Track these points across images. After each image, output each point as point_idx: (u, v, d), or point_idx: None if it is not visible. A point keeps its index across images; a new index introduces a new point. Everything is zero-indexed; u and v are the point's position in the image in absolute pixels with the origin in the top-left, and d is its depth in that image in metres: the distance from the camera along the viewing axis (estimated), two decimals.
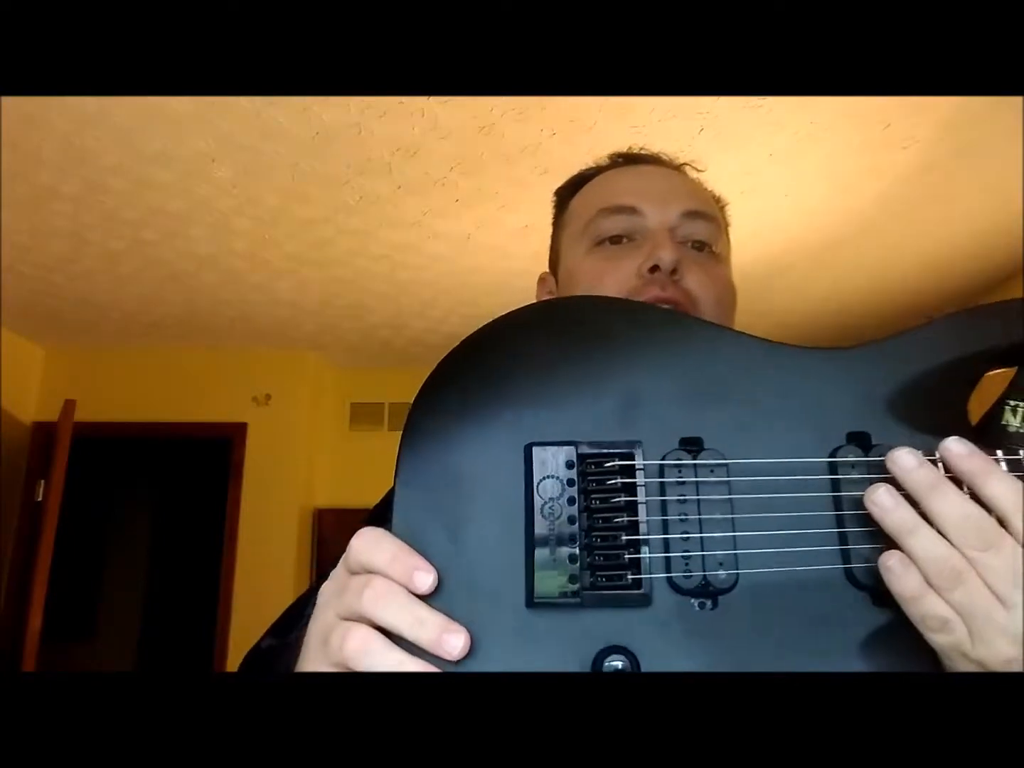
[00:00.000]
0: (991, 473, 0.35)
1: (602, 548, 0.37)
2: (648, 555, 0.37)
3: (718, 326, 0.44)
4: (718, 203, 0.71)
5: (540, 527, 0.37)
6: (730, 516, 0.38)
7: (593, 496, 0.38)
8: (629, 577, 0.37)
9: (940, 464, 0.37)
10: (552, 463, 0.38)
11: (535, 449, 0.39)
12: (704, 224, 0.64)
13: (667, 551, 0.38)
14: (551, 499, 0.38)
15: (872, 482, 0.37)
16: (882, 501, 0.36)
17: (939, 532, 0.35)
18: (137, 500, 4.95)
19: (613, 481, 0.38)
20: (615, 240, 0.63)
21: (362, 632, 0.34)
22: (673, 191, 0.65)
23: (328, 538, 3.62)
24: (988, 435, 0.39)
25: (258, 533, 3.47)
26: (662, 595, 0.37)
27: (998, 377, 0.41)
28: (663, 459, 0.39)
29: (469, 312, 3.26)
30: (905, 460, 0.36)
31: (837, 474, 0.39)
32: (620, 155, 0.72)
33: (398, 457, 0.39)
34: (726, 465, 0.39)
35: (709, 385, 0.41)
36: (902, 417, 0.40)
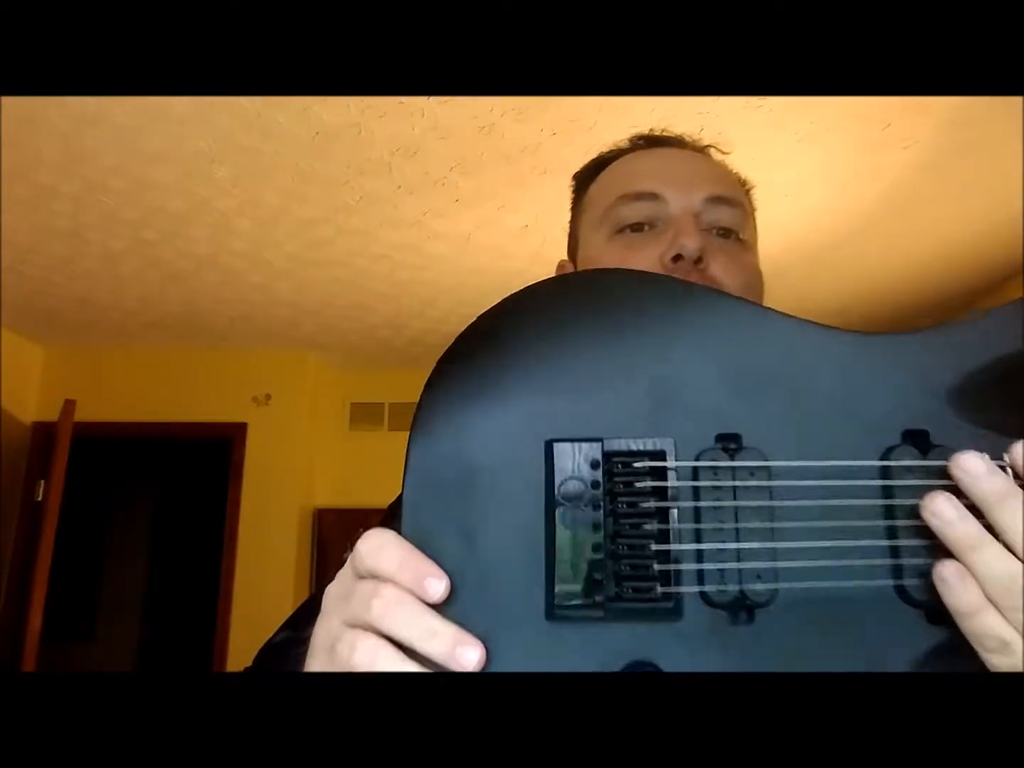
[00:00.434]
0: None
1: (629, 557, 0.34)
2: (679, 566, 0.34)
3: (761, 306, 0.39)
4: (744, 186, 0.67)
5: (561, 533, 0.34)
6: (770, 525, 0.34)
7: (620, 499, 0.35)
8: (658, 589, 0.34)
9: (1009, 470, 0.33)
10: (575, 462, 0.35)
11: (556, 446, 0.35)
12: (729, 210, 0.60)
13: (700, 561, 0.34)
14: (573, 501, 0.35)
15: (930, 489, 0.33)
16: (943, 512, 0.32)
17: (1005, 546, 0.31)
18: (137, 500, 4.95)
19: (642, 484, 0.35)
20: (636, 228, 0.60)
21: (370, 642, 0.33)
22: (696, 175, 0.62)
23: (328, 538, 3.62)
24: None
25: (258, 533, 3.47)
26: (693, 608, 0.34)
27: None
28: (697, 458, 0.35)
29: (469, 312, 3.22)
30: (973, 466, 0.32)
31: (891, 479, 0.34)
32: (641, 137, 0.67)
33: (407, 451, 0.36)
34: (767, 468, 0.35)
35: (750, 373, 0.36)
36: (966, 414, 0.35)
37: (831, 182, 2.33)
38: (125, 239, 2.61)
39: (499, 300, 0.38)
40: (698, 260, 0.56)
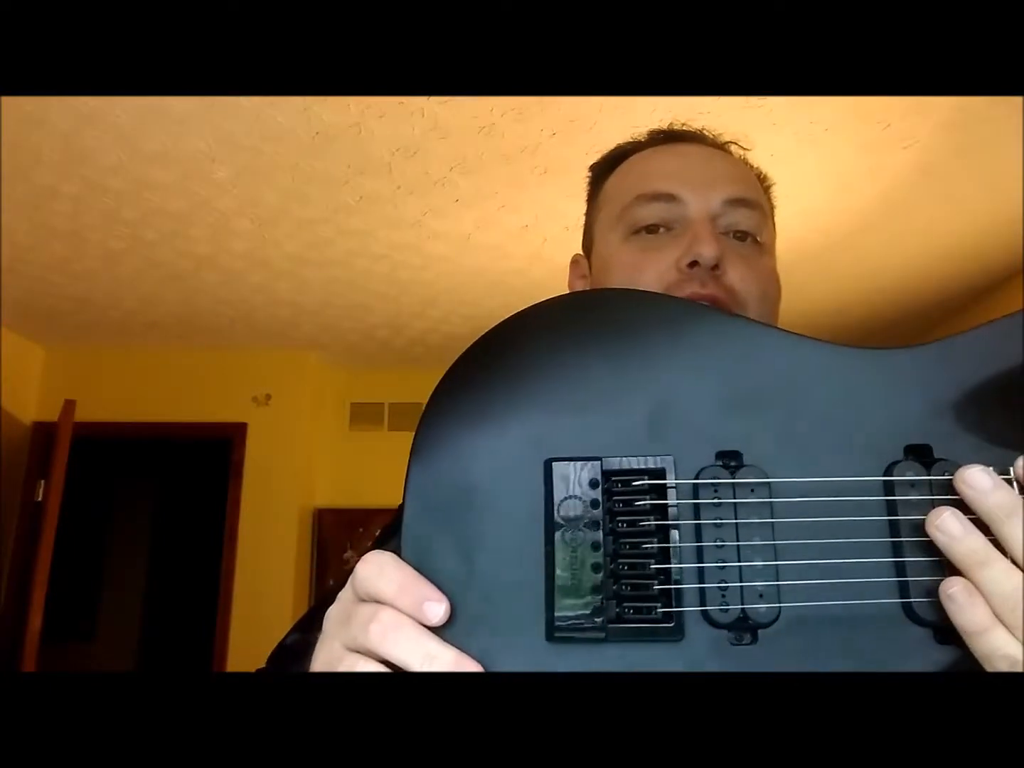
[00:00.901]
0: None
1: (629, 577, 0.34)
2: (680, 586, 0.34)
3: (760, 323, 0.39)
4: (763, 183, 0.66)
5: (561, 553, 0.34)
6: (772, 543, 0.34)
7: (619, 519, 0.35)
8: (659, 610, 0.33)
9: (1015, 484, 0.33)
10: (574, 481, 0.35)
11: (555, 465, 0.35)
12: (748, 212, 0.59)
13: (701, 581, 0.34)
14: (573, 521, 0.34)
15: (935, 504, 0.33)
16: (949, 528, 0.32)
17: (1013, 562, 0.31)
18: (137, 500, 4.96)
19: (642, 502, 0.35)
20: (652, 229, 0.59)
21: (369, 667, 0.33)
22: (715, 176, 0.60)
23: (328, 538, 3.62)
24: None
25: (258, 533, 3.47)
26: (695, 629, 0.33)
27: None
28: (697, 476, 0.35)
29: (469, 312, 3.26)
30: (979, 480, 0.32)
31: (894, 495, 0.34)
32: (660, 132, 0.66)
33: (407, 471, 0.36)
34: (768, 484, 0.35)
35: (750, 391, 0.36)
36: (969, 427, 0.35)
37: (831, 182, 2.32)
38: (125, 239, 2.61)
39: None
40: (715, 267, 0.54)
